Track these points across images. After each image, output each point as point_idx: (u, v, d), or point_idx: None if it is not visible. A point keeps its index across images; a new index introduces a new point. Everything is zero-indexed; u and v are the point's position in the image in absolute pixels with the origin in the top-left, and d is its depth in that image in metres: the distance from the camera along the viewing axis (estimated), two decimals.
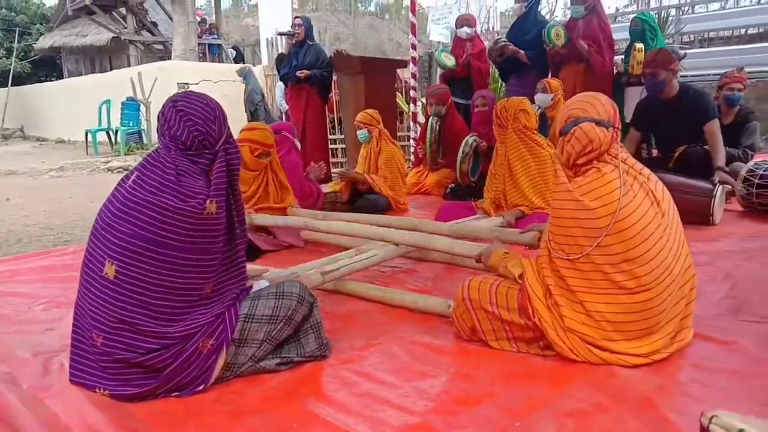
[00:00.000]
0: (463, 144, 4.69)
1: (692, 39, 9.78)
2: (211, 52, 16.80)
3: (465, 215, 3.79)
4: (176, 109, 1.80)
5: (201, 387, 1.77)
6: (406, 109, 8.32)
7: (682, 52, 5.26)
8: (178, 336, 1.73)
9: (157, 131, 1.85)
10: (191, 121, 1.78)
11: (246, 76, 9.21)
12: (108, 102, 11.80)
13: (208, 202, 1.73)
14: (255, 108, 8.75)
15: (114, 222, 1.71)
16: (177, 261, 1.71)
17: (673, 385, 1.76)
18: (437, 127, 5.40)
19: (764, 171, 3.94)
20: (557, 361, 1.90)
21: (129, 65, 16.39)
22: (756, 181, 3.93)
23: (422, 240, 2.76)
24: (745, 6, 11.04)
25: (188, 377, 1.75)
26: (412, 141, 7.47)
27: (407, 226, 3.36)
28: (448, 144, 5.42)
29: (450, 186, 5.21)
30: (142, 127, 11.56)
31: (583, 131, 1.89)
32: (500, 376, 1.84)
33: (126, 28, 17.73)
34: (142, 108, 11.43)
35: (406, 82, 8.13)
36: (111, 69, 17.36)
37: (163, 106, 1.83)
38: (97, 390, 1.74)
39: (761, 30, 9.26)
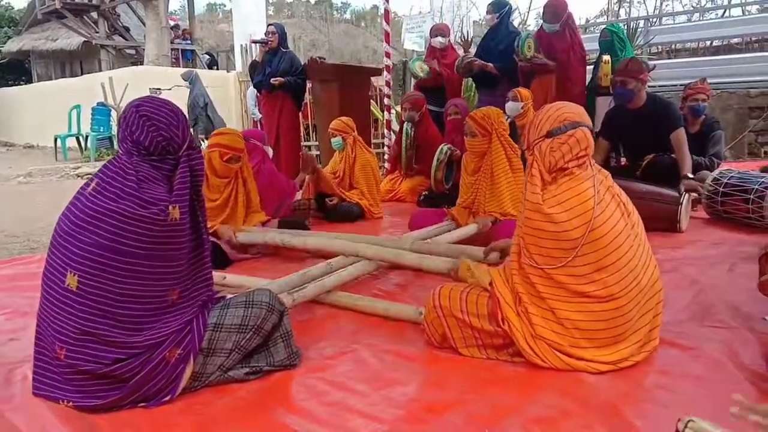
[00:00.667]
0: (437, 152, 4.72)
1: (660, 50, 10.00)
2: (185, 58, 16.66)
3: (438, 222, 3.80)
4: (139, 113, 1.77)
5: (168, 397, 1.74)
6: (381, 117, 8.34)
7: (652, 63, 5.37)
8: (145, 345, 1.71)
9: (118, 136, 1.82)
10: (154, 126, 1.76)
11: (192, 80, 9.10)
12: (78, 107, 11.61)
13: (170, 207, 1.71)
14: (196, 116, 8.62)
15: (74, 231, 1.68)
16: (141, 269, 1.69)
17: (639, 391, 1.79)
18: (412, 133, 5.42)
19: (729, 179, 4.03)
20: (526, 368, 1.92)
21: (100, 70, 16.16)
22: (721, 189, 4.03)
23: (393, 256, 2.78)
24: (710, 19, 11.33)
25: (155, 387, 1.72)
26: (386, 148, 7.49)
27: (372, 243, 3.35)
28: (422, 151, 5.45)
29: (424, 193, 5.23)
30: (113, 133, 11.38)
31: (583, 134, 1.91)
32: (469, 383, 1.85)
33: (97, 32, 17.49)
34: (113, 113, 11.27)
35: (380, 89, 8.16)
36: (82, 74, 17.09)
37: (124, 111, 1.81)
38: (61, 402, 1.70)
39: (725, 42, 9.52)
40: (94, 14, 17.79)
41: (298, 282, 2.55)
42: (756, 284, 2.63)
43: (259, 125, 7.80)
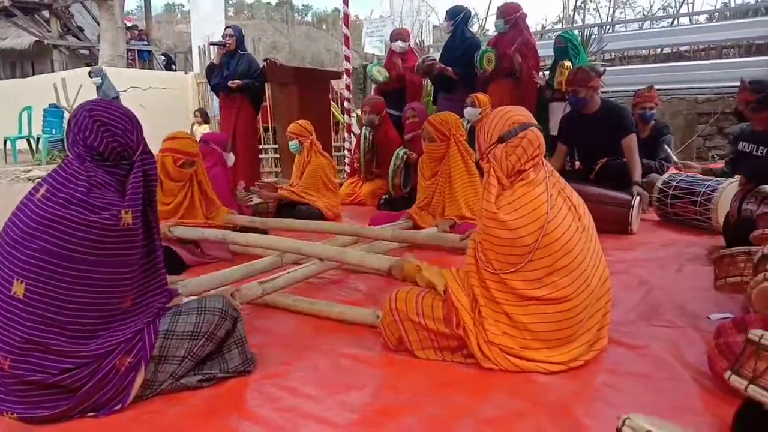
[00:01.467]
0: (393, 157, 4.76)
1: (613, 57, 10.28)
2: (141, 59, 16.34)
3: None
4: (93, 118, 1.73)
5: (118, 406, 1.71)
6: (342, 120, 8.33)
7: (601, 68, 5.52)
8: (94, 354, 1.67)
9: (67, 140, 1.78)
10: (109, 131, 1.73)
11: (103, 77, 8.90)
12: (29, 108, 11.24)
13: (123, 212, 1.68)
14: None
15: (22, 238, 1.63)
16: (93, 276, 1.65)
17: (588, 391, 1.84)
18: (370, 137, 5.45)
19: (678, 182, 4.17)
20: (480, 369, 1.94)
21: (53, 70, 15.69)
22: (670, 192, 4.16)
23: (335, 253, 2.76)
24: (660, 27, 11.70)
25: (105, 396, 1.69)
26: (347, 152, 7.48)
27: (349, 232, 3.38)
28: (382, 155, 5.48)
29: (384, 197, 5.26)
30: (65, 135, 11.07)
31: (534, 135, 1.95)
32: (424, 385, 1.86)
33: (50, 32, 16.99)
34: (66, 115, 10.96)
35: (340, 93, 8.16)
36: (33, 74, 16.55)
37: (75, 114, 1.76)
38: (6, 414, 1.65)
39: (674, 50, 9.85)
40: (46, 13, 17.28)
41: (246, 273, 2.64)
42: (701, 284, 2.74)
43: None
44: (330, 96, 7.25)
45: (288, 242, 2.89)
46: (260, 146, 7.25)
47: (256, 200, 4.60)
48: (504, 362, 1.92)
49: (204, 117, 9.40)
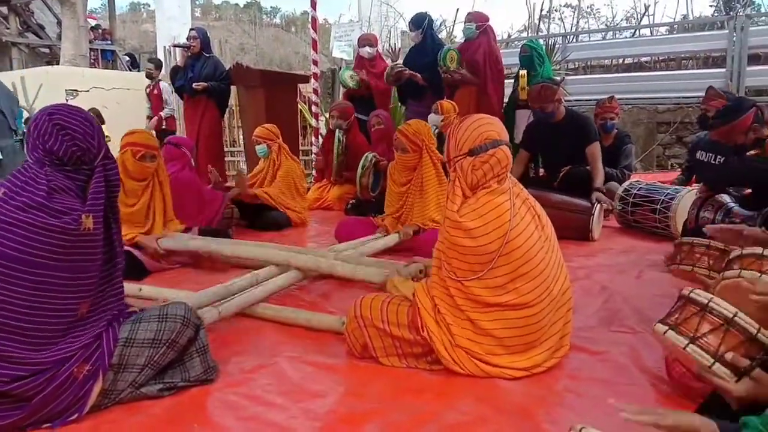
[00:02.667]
0: (363, 159, 4.76)
1: (577, 66, 10.49)
2: (104, 58, 15.99)
3: (364, 231, 3.82)
4: (53, 122, 1.71)
5: (75, 416, 1.67)
6: (312, 123, 8.30)
7: (559, 78, 5.63)
8: (50, 361, 1.63)
9: (27, 144, 1.74)
10: (69, 135, 1.70)
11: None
12: None
13: (83, 217, 1.65)
14: None
15: None
16: (50, 281, 1.62)
17: (550, 396, 1.86)
18: (344, 139, 5.43)
19: (638, 190, 4.27)
20: (444, 375, 1.96)
21: (11, 69, 15.24)
22: (631, 200, 4.26)
23: (326, 266, 2.78)
24: (623, 38, 12.00)
25: (60, 406, 1.64)
26: (314, 156, 7.46)
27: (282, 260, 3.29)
28: (350, 159, 5.47)
29: (351, 201, 5.25)
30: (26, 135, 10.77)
31: (504, 154, 1.96)
32: (389, 392, 1.87)
33: (8, 29, 16.49)
34: (26, 114, 10.64)
35: (308, 97, 8.13)
36: None
37: (35, 119, 1.74)
38: None
39: (636, 60, 10.10)
40: (4, 9, 16.76)
41: (223, 294, 2.49)
42: (660, 291, 2.82)
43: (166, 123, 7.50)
44: (298, 99, 7.22)
45: (277, 254, 2.86)
46: (225, 149, 7.17)
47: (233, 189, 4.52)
48: (469, 365, 1.93)
49: (99, 118, 9.14)
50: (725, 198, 3.52)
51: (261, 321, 2.51)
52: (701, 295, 1.23)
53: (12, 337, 1.59)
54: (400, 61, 5.89)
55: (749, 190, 3.58)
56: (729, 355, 1.15)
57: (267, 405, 1.78)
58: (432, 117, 5.00)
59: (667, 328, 1.22)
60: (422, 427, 1.65)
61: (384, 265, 2.74)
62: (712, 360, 1.15)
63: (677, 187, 4.35)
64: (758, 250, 1.88)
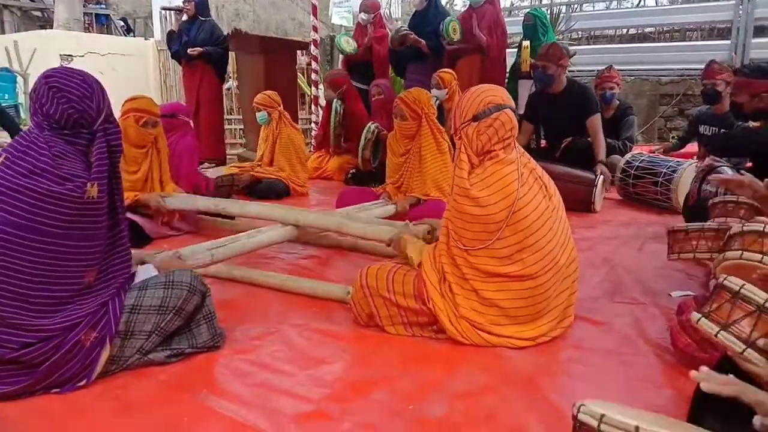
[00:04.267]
0: (365, 131, 4.71)
1: (580, 36, 10.35)
2: (99, 23, 15.68)
3: (365, 201, 3.80)
4: (48, 85, 1.68)
5: (83, 382, 1.67)
6: (308, 92, 8.20)
7: (572, 49, 5.56)
8: (58, 328, 1.62)
9: (29, 110, 1.71)
10: (65, 98, 1.67)
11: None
12: None
13: (88, 185, 1.63)
14: None
15: None
16: (56, 249, 1.60)
17: (554, 366, 1.88)
18: (341, 110, 5.37)
19: (640, 163, 4.26)
20: (449, 345, 1.97)
21: (3, 33, 14.96)
22: (632, 172, 4.25)
23: (335, 223, 2.76)
24: (626, 8, 11.81)
25: (69, 372, 1.65)
26: (313, 125, 7.39)
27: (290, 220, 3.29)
28: (349, 128, 5.42)
29: (351, 171, 5.22)
30: (19, 101, 10.60)
31: (508, 117, 1.95)
32: (395, 360, 1.88)
33: None
34: (20, 80, 10.49)
35: (307, 64, 8.01)
36: None
37: (35, 83, 1.70)
38: None
39: (640, 31, 9.97)
40: None
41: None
42: (662, 263, 2.82)
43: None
44: (296, 67, 7.11)
45: (285, 213, 2.85)
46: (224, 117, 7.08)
47: (222, 171, 4.50)
48: (473, 336, 1.94)
49: None
50: (728, 171, 3.51)
51: (266, 290, 2.51)
52: (733, 282, 1.23)
53: (18, 304, 1.58)
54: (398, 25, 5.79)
55: (750, 164, 3.58)
56: (761, 341, 1.16)
57: (275, 372, 1.79)
58: (436, 92, 4.92)
59: (700, 316, 1.23)
60: (429, 395, 1.66)
61: (393, 225, 2.72)
62: (743, 346, 1.16)
63: (679, 160, 4.33)
64: (759, 226, 1.87)
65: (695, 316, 1.25)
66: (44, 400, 1.61)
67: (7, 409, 1.57)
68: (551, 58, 4.32)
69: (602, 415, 0.96)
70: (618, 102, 5.14)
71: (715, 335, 1.20)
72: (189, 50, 5.76)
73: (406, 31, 5.52)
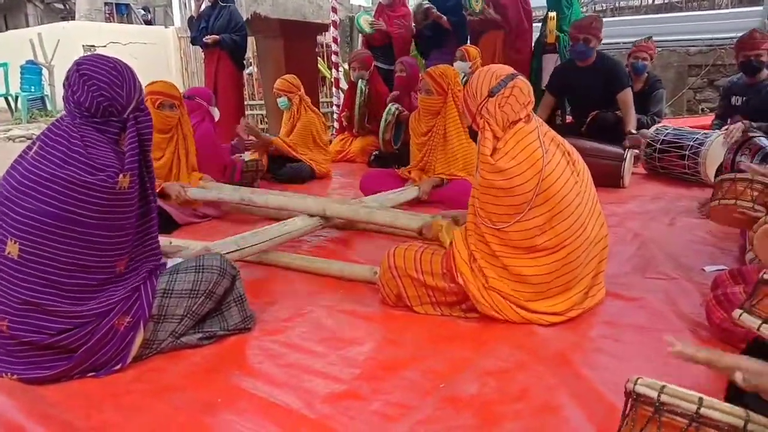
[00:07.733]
0: (385, 113, 4.67)
1: (605, 8, 10.11)
2: (119, 13, 15.83)
3: (389, 183, 3.77)
4: (79, 73, 1.68)
5: (118, 366, 1.70)
6: (328, 75, 8.16)
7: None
8: (92, 314, 1.65)
9: (63, 98, 1.73)
10: (95, 85, 1.67)
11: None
12: (5, 65, 10.90)
13: (120, 176, 1.64)
14: None
15: (15, 197, 1.59)
16: (88, 238, 1.62)
17: (586, 342, 1.86)
18: (366, 90, 5.32)
19: (665, 136, 4.15)
20: (479, 323, 1.96)
21: (27, 25, 15.18)
22: (658, 146, 4.15)
23: (364, 214, 2.76)
24: None
25: (104, 356, 1.68)
26: (335, 107, 7.35)
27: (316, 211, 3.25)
28: (372, 110, 5.38)
29: (374, 153, 5.20)
30: (45, 93, 10.77)
31: (523, 82, 1.95)
32: (425, 339, 1.88)
33: None
34: (45, 72, 10.64)
35: (327, 46, 7.97)
36: (7, 29, 16.01)
37: (68, 71, 1.71)
38: (5, 375, 1.64)
39: (666, 1, 9.69)
40: None
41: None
42: (694, 237, 2.77)
43: None
44: (316, 50, 7.08)
45: (312, 203, 2.85)
46: (246, 103, 7.08)
47: (247, 156, 4.49)
48: (505, 309, 1.93)
49: None
50: (763, 141, 3.41)
51: (293, 272, 2.53)
52: None
53: (53, 291, 1.61)
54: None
55: None
56: None
57: (305, 352, 1.81)
58: (459, 64, 4.84)
59: (742, 311, 1.21)
60: (461, 373, 1.66)
61: (421, 216, 2.71)
62: None
63: (706, 131, 4.20)
64: None
65: (737, 312, 1.23)
66: (82, 384, 1.65)
67: (47, 392, 1.61)
68: (594, 32, 4.25)
69: (663, 386, 0.95)
70: (647, 75, 5.02)
71: (758, 329, 1.18)
72: (205, 38, 5.74)
73: (427, 5, 5.46)
